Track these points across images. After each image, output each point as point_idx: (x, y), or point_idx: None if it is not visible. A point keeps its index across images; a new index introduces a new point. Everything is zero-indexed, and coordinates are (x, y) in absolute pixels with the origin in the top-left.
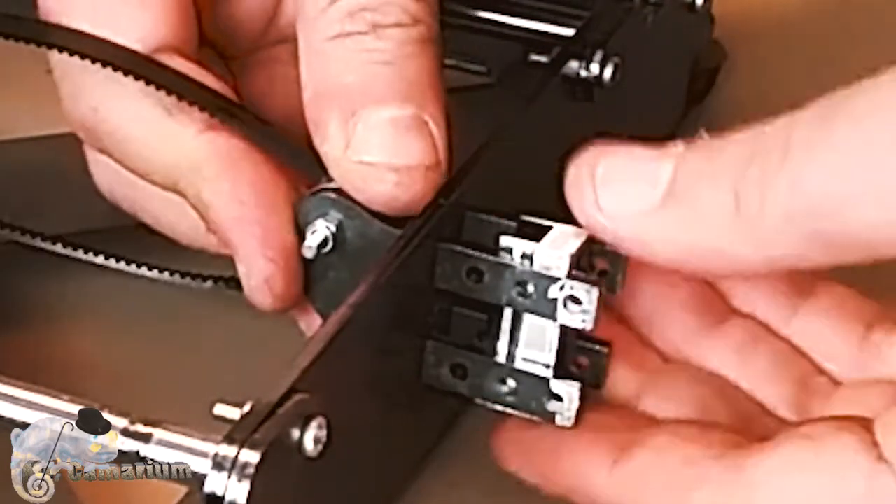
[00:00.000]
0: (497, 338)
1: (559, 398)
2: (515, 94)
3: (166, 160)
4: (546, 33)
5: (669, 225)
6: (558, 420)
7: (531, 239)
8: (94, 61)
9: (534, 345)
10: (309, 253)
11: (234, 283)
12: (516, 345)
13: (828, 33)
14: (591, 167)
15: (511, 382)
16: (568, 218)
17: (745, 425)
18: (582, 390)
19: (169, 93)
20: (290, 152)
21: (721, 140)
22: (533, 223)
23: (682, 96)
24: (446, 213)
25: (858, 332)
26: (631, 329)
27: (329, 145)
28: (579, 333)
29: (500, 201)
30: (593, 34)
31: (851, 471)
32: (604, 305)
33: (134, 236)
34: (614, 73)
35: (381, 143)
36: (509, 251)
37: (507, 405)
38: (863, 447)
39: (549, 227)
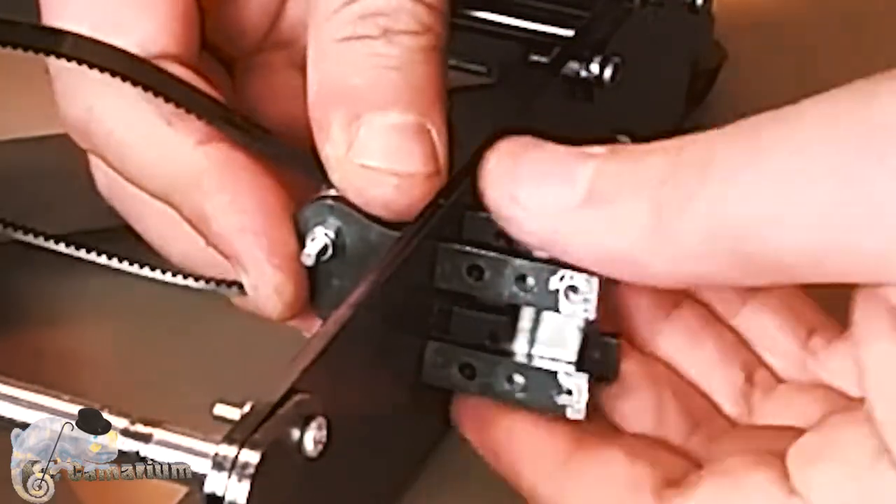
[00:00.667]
0: (512, 338)
1: (569, 392)
2: (515, 94)
3: (161, 170)
4: (546, 33)
5: (585, 228)
6: (569, 413)
7: None
8: (91, 66)
9: (555, 342)
10: (308, 261)
11: (237, 285)
12: (535, 343)
13: (828, 33)
14: (512, 159)
15: (520, 379)
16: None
17: (693, 428)
18: (591, 383)
19: (167, 100)
20: (292, 159)
21: (645, 147)
22: None
23: (682, 96)
24: (446, 213)
25: (801, 335)
26: None
27: (331, 146)
28: (589, 325)
29: None
30: (593, 34)
31: None
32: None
33: (134, 236)
34: (614, 73)
35: (382, 148)
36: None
37: (517, 402)
38: (776, 480)
39: None
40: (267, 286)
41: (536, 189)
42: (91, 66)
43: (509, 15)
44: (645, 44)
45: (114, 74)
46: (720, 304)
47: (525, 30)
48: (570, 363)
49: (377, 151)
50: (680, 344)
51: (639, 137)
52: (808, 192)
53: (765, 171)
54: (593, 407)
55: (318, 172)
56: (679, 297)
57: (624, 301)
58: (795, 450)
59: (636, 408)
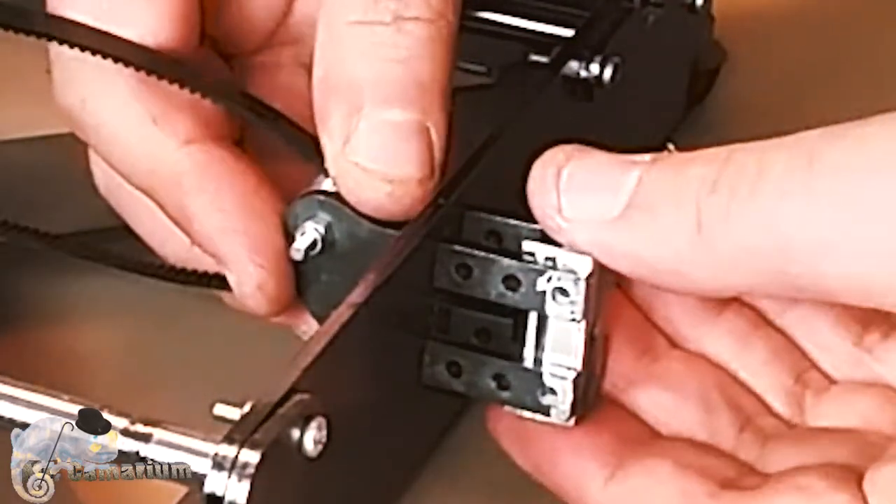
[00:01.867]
0: (511, 340)
1: (553, 391)
2: (515, 94)
3: (146, 167)
4: (546, 33)
5: (628, 237)
6: (553, 413)
7: (555, 243)
8: (94, 53)
9: (560, 348)
10: (297, 255)
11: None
12: (542, 349)
13: (828, 33)
14: (557, 168)
15: (505, 379)
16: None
17: (744, 425)
18: (576, 383)
19: (172, 80)
20: (295, 142)
21: (689, 156)
22: None
23: (682, 96)
24: (446, 213)
25: (854, 331)
26: (639, 310)
27: (329, 137)
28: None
29: (500, 201)
30: (593, 34)
31: None
32: (614, 285)
33: (132, 235)
34: (614, 73)
35: (379, 148)
36: (532, 255)
37: (502, 401)
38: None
39: None
40: (250, 284)
41: (579, 198)
42: (92, 51)
43: (509, 14)
44: (645, 44)
45: (116, 60)
46: (769, 305)
47: (525, 29)
48: (573, 369)
49: (372, 151)
50: (728, 345)
51: (638, 138)
52: (868, 222)
53: (822, 193)
54: (626, 393)
55: (318, 158)
56: (727, 300)
57: (670, 303)
58: (878, 479)
59: (681, 406)
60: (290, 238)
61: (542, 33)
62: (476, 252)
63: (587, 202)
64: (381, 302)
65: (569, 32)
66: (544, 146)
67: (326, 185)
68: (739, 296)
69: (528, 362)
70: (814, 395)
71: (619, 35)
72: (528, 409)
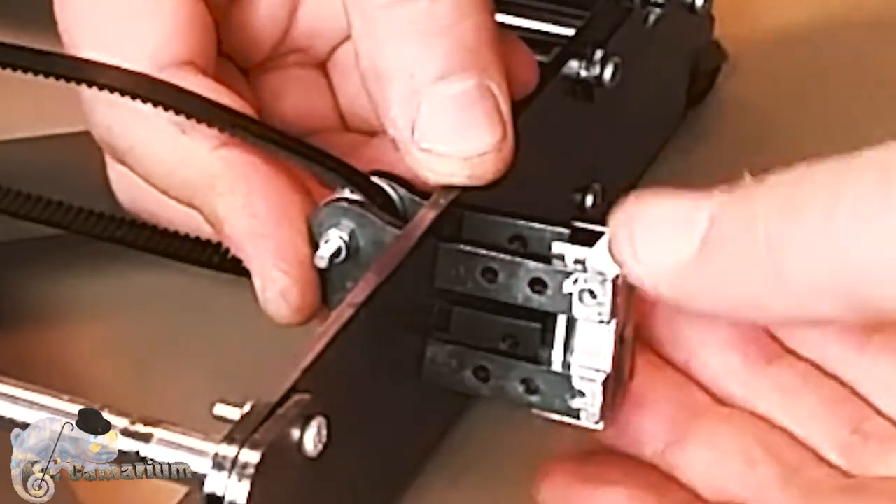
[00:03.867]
0: (540, 344)
1: (583, 394)
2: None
3: (182, 177)
4: (546, 33)
5: (705, 276)
6: (583, 416)
7: (584, 245)
8: (101, 88)
9: (590, 350)
10: (321, 263)
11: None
12: (571, 352)
13: (828, 33)
14: (630, 218)
15: (534, 383)
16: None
17: (791, 475)
18: (606, 385)
19: (178, 112)
20: (307, 163)
21: (758, 184)
22: (586, 229)
23: (683, 96)
24: (446, 212)
25: None
26: (676, 370)
27: (394, 128)
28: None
29: (500, 201)
30: (593, 34)
31: None
32: (643, 348)
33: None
34: (614, 73)
35: (447, 126)
36: (561, 257)
37: (531, 405)
38: None
39: (601, 233)
40: (273, 289)
41: (654, 243)
42: (101, 87)
43: (509, 14)
44: (645, 44)
45: (123, 94)
46: (834, 356)
47: (525, 29)
48: (602, 371)
49: (442, 131)
50: (776, 399)
51: (639, 137)
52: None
53: (856, 217)
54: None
55: (332, 174)
56: (775, 353)
57: (711, 360)
58: None
59: (722, 463)
60: (314, 246)
61: (542, 33)
62: (502, 256)
63: (661, 247)
64: (382, 302)
65: (569, 32)
66: (544, 146)
67: (347, 191)
68: (815, 326)
69: (557, 366)
70: (878, 444)
71: (619, 35)
72: (558, 413)
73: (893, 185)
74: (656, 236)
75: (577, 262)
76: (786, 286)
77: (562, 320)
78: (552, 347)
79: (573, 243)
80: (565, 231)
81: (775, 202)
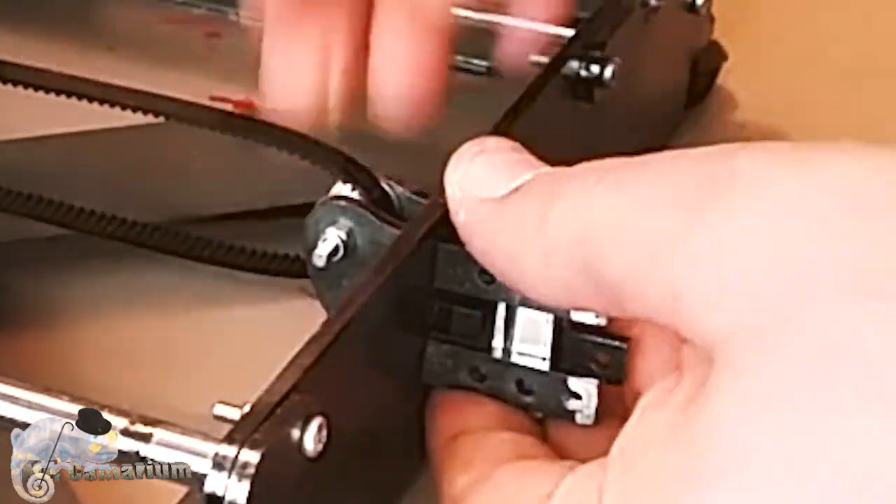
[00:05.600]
0: (492, 333)
1: (578, 396)
2: (515, 94)
3: None
4: (546, 33)
5: (491, 219)
6: (579, 418)
7: None
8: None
9: (529, 339)
10: (320, 262)
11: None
12: (511, 340)
13: (828, 34)
14: (480, 148)
15: (529, 383)
16: None
17: None
18: (601, 387)
19: (168, 117)
20: (310, 157)
21: (580, 166)
22: None
23: (682, 96)
24: (446, 212)
25: None
26: None
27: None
28: (597, 330)
29: None
30: (593, 34)
31: None
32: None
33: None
34: (614, 73)
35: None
36: None
37: (526, 406)
38: None
39: None
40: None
41: (479, 174)
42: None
43: (510, 14)
44: (645, 44)
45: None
46: None
47: (525, 30)
48: (544, 359)
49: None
50: None
51: (639, 138)
52: (643, 218)
53: (611, 186)
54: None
55: (331, 169)
56: None
57: None
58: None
59: None
60: (310, 244)
61: (542, 33)
62: None
63: (482, 180)
64: (382, 302)
65: (569, 32)
66: (544, 146)
67: (346, 189)
68: (566, 303)
69: (497, 352)
70: None
71: (619, 35)
72: (552, 414)
73: (646, 164)
74: (483, 171)
75: None
76: (540, 246)
77: (501, 308)
78: (493, 334)
79: None
80: None
81: (569, 176)
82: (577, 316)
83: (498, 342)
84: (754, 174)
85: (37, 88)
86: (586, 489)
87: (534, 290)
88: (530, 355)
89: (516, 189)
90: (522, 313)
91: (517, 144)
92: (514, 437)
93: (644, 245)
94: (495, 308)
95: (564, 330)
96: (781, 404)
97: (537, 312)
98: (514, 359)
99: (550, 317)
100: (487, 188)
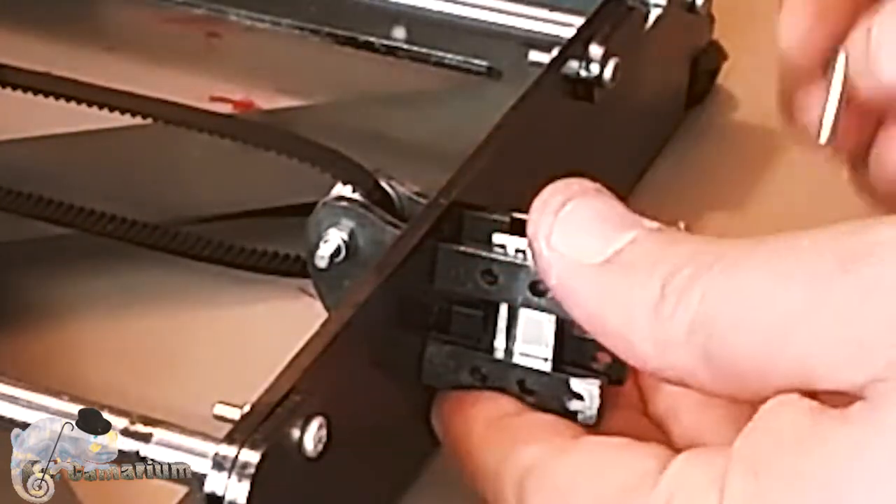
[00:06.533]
0: (494, 334)
1: (580, 397)
2: (515, 94)
3: None
4: (546, 33)
5: (595, 288)
6: (581, 419)
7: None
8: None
9: (531, 339)
10: (322, 262)
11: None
12: (513, 340)
13: None
14: (563, 198)
15: (531, 384)
16: None
17: None
18: (603, 388)
19: (167, 122)
20: (310, 158)
21: (682, 234)
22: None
23: (682, 97)
24: (446, 212)
25: None
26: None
27: None
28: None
29: (500, 201)
30: (593, 34)
31: None
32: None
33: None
34: (614, 73)
35: None
36: (503, 247)
37: (529, 406)
38: None
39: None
40: None
41: (571, 232)
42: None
43: (510, 14)
44: (645, 44)
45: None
46: None
47: (525, 29)
48: (546, 360)
49: None
50: None
51: (640, 137)
52: (767, 302)
53: (744, 275)
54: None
55: (333, 170)
56: None
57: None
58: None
59: None
60: (312, 245)
61: (542, 33)
62: (501, 257)
63: (576, 239)
64: (382, 302)
65: (569, 32)
66: (544, 146)
67: (346, 190)
68: (675, 382)
69: (499, 353)
70: None
71: (619, 35)
72: (556, 414)
73: (760, 244)
74: (577, 228)
75: (518, 251)
76: (657, 331)
77: (503, 309)
78: (495, 335)
79: (514, 234)
80: (505, 220)
81: (682, 252)
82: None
83: (500, 342)
84: (884, 250)
85: (35, 92)
86: (705, 476)
87: (643, 367)
88: (533, 356)
89: (617, 255)
90: (524, 314)
91: (601, 187)
92: (559, 419)
93: (772, 324)
94: (496, 308)
95: (566, 331)
96: None
97: (540, 313)
98: (517, 359)
99: (553, 318)
100: (584, 251)
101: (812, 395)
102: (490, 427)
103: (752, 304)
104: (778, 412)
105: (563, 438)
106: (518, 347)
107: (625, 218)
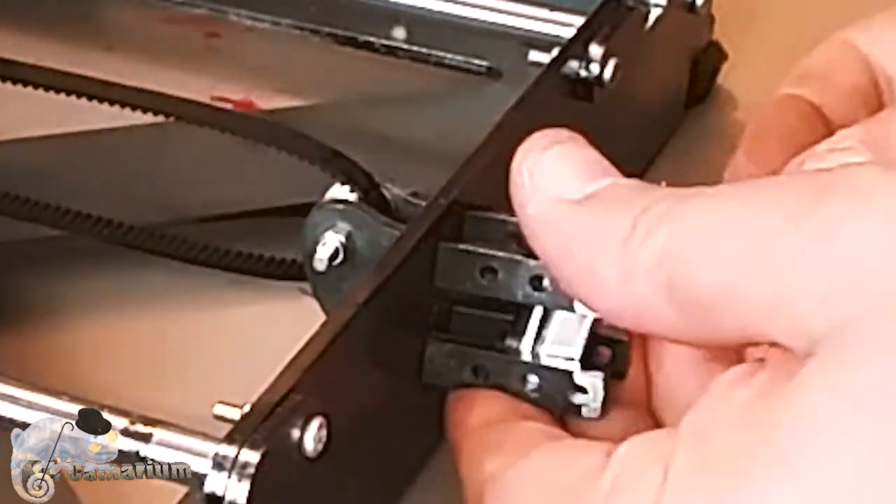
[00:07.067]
0: (520, 336)
1: (584, 390)
2: (515, 94)
3: None
4: (546, 33)
5: (568, 223)
6: (584, 412)
7: None
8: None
9: (561, 340)
10: (320, 266)
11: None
12: (542, 342)
13: (828, 34)
14: (551, 140)
15: (534, 379)
16: None
17: None
18: (606, 380)
19: (167, 116)
20: (307, 157)
21: (655, 186)
22: None
23: (682, 97)
24: (446, 212)
25: None
26: None
27: None
28: (599, 323)
29: (500, 201)
30: (593, 34)
31: None
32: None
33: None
34: (614, 73)
35: None
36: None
37: (531, 401)
38: None
39: None
40: None
41: (555, 169)
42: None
43: (510, 14)
44: (645, 44)
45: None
46: None
47: (525, 29)
48: (573, 360)
49: None
50: None
51: (639, 138)
52: (737, 234)
53: (716, 206)
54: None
55: (330, 170)
56: None
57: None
58: None
59: None
60: (310, 248)
61: (542, 33)
62: (501, 254)
63: (558, 176)
64: (382, 302)
65: (569, 32)
66: None
67: (342, 192)
68: (639, 323)
69: (525, 355)
70: None
71: (619, 35)
72: (558, 409)
73: (738, 184)
74: (558, 166)
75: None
76: (624, 262)
77: (538, 311)
78: (522, 336)
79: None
80: (505, 219)
81: (656, 195)
82: (581, 310)
83: (526, 344)
84: (861, 182)
85: (47, 88)
86: (650, 456)
87: (603, 306)
88: (558, 356)
89: (594, 194)
90: (555, 315)
91: (588, 143)
92: (542, 426)
93: (741, 257)
94: (497, 305)
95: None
96: (881, 396)
97: (569, 314)
98: (543, 360)
99: (589, 318)
100: (562, 186)
101: (761, 360)
102: (472, 432)
103: (722, 236)
104: (726, 386)
105: (523, 447)
106: (545, 349)
107: (607, 168)
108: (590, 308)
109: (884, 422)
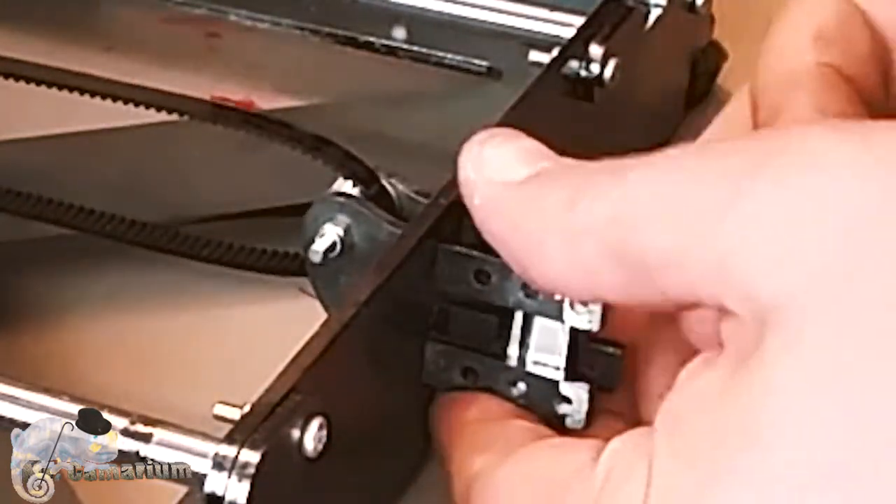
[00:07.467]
0: (507, 341)
1: (569, 400)
2: (515, 94)
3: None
4: (546, 33)
5: (514, 201)
6: (568, 422)
7: None
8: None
9: (544, 348)
10: (316, 257)
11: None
12: (527, 348)
13: None
14: (489, 135)
15: (521, 385)
16: None
17: None
18: (592, 392)
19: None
20: (311, 152)
21: (601, 162)
22: None
23: (682, 97)
24: (446, 213)
25: None
26: None
27: None
28: (592, 335)
29: None
30: (593, 34)
31: None
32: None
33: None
34: (614, 72)
35: None
36: None
37: (519, 406)
38: None
39: None
40: None
41: (496, 158)
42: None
43: (510, 14)
44: (645, 44)
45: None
46: None
47: (526, 29)
48: (559, 369)
49: None
50: None
51: (639, 138)
52: (687, 194)
53: (647, 169)
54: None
55: (333, 165)
56: None
57: None
58: None
59: None
60: (308, 240)
61: (542, 33)
62: (495, 258)
63: (500, 164)
64: (382, 302)
65: (569, 32)
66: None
67: (346, 187)
68: (584, 292)
69: (512, 360)
70: None
71: (619, 35)
72: (545, 416)
73: (681, 150)
74: (500, 156)
75: None
76: (566, 230)
77: (518, 316)
78: (508, 342)
79: None
80: None
81: (597, 167)
82: (570, 321)
83: (501, 346)
84: (805, 143)
85: (50, 86)
86: (637, 452)
87: (551, 276)
88: (545, 364)
89: (536, 173)
90: (539, 322)
91: (525, 135)
92: (531, 425)
93: (689, 218)
94: (491, 308)
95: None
96: (842, 366)
97: (554, 322)
98: (529, 367)
99: (567, 327)
100: (505, 172)
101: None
102: (461, 430)
103: (670, 194)
104: (690, 379)
105: (511, 445)
106: (531, 356)
107: (547, 153)
108: (539, 283)
109: (847, 391)
